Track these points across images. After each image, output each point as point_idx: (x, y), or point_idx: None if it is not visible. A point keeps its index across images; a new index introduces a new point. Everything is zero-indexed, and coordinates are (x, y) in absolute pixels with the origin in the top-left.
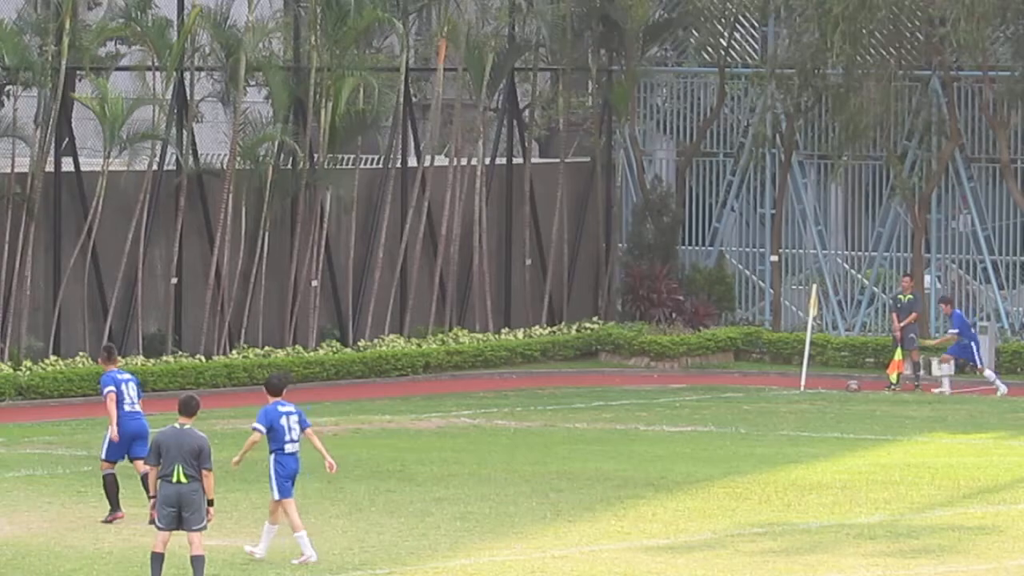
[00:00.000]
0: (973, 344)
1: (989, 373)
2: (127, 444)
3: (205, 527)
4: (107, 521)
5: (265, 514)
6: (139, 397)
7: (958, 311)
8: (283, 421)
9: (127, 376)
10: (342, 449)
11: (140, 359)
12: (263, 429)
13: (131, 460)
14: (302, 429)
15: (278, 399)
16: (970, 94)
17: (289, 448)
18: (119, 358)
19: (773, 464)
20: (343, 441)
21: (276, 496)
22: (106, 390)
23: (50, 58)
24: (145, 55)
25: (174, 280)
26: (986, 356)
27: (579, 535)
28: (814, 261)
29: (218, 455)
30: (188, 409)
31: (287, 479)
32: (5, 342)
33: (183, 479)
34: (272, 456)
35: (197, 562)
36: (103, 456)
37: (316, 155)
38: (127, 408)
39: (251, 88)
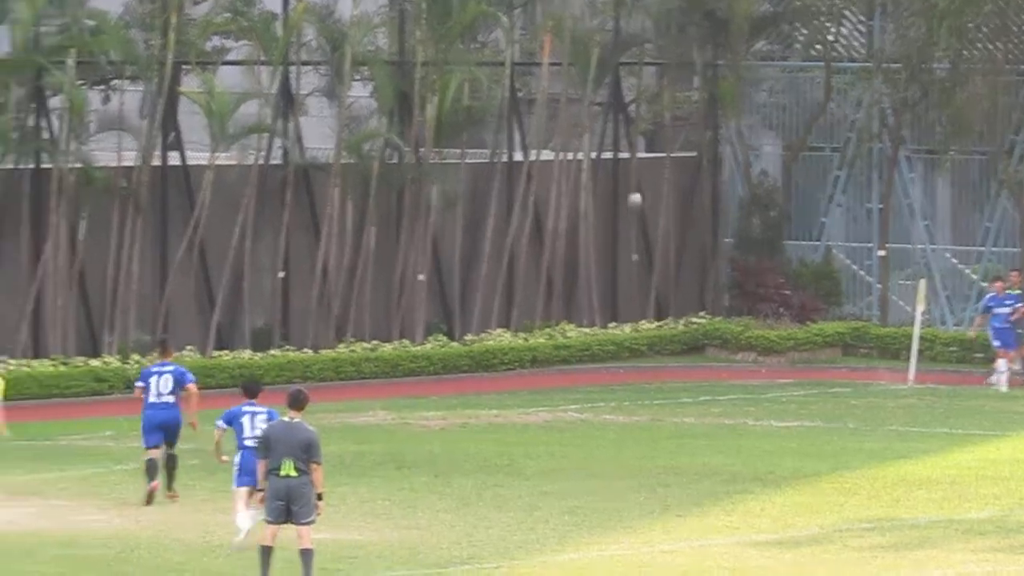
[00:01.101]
0: None
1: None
2: (158, 431)
3: (314, 520)
4: (148, 495)
5: (374, 507)
6: (175, 388)
7: None
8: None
9: (168, 368)
10: (449, 443)
11: (247, 353)
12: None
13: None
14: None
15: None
16: None
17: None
18: (172, 351)
19: (881, 459)
20: (450, 435)
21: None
22: (137, 384)
23: (156, 52)
24: (251, 50)
25: (281, 274)
26: None
27: (687, 530)
28: (921, 256)
29: (327, 449)
30: (297, 403)
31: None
32: (113, 336)
33: (292, 473)
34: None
35: (306, 555)
36: (143, 445)
37: (421, 150)
38: (152, 399)
39: (356, 83)
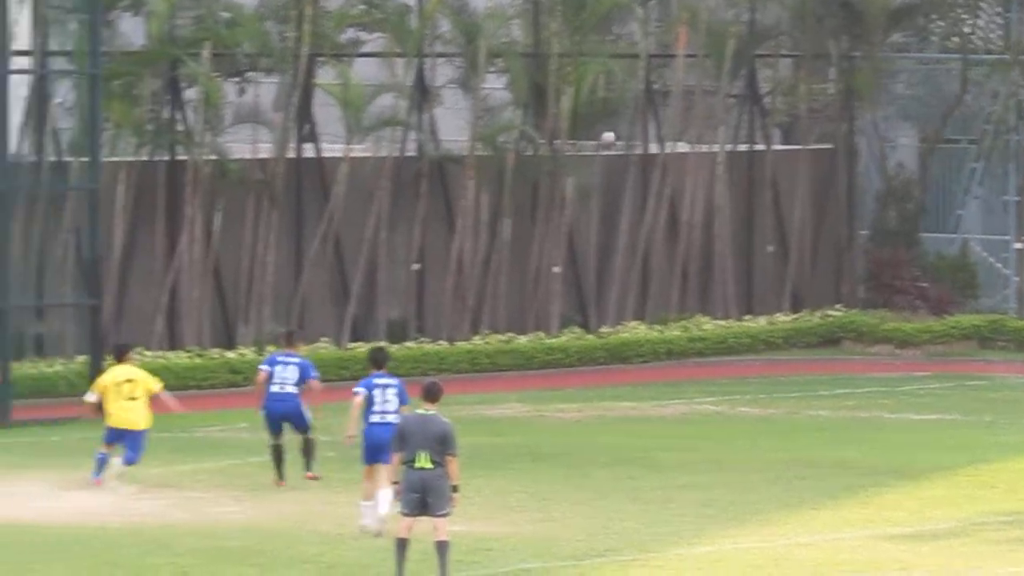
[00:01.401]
0: None
1: None
2: (279, 423)
3: (449, 513)
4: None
5: (509, 500)
6: (299, 381)
7: None
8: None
9: (295, 359)
10: (585, 436)
11: (382, 344)
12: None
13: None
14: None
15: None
16: None
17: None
18: (300, 343)
19: (1019, 453)
20: (586, 428)
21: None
22: (261, 367)
23: (291, 44)
24: (386, 41)
25: (416, 266)
26: None
27: (822, 523)
28: None
29: (462, 441)
30: (431, 395)
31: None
32: (248, 328)
33: (427, 465)
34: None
35: (441, 548)
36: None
37: (556, 142)
38: (274, 389)
39: (490, 74)
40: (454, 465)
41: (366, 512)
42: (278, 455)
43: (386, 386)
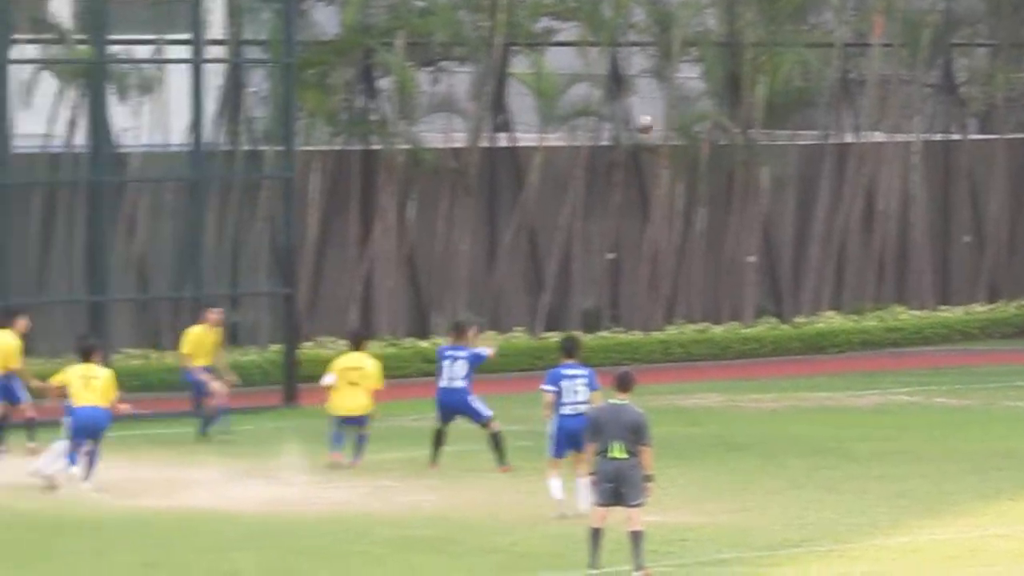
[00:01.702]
0: None
1: None
2: (449, 415)
3: (643, 503)
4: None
5: (703, 490)
6: (468, 373)
7: None
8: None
9: (463, 353)
10: (780, 426)
11: (576, 334)
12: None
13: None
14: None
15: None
16: None
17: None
18: (468, 335)
19: None
20: (781, 418)
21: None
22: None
23: (485, 34)
24: (580, 30)
25: (610, 255)
26: None
27: (1020, 514)
28: None
29: (656, 431)
30: (624, 384)
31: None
32: (442, 317)
33: (621, 455)
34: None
35: (636, 537)
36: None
37: (751, 131)
38: (443, 384)
39: (685, 63)
40: (648, 455)
41: (581, 489)
42: (438, 439)
43: (575, 376)
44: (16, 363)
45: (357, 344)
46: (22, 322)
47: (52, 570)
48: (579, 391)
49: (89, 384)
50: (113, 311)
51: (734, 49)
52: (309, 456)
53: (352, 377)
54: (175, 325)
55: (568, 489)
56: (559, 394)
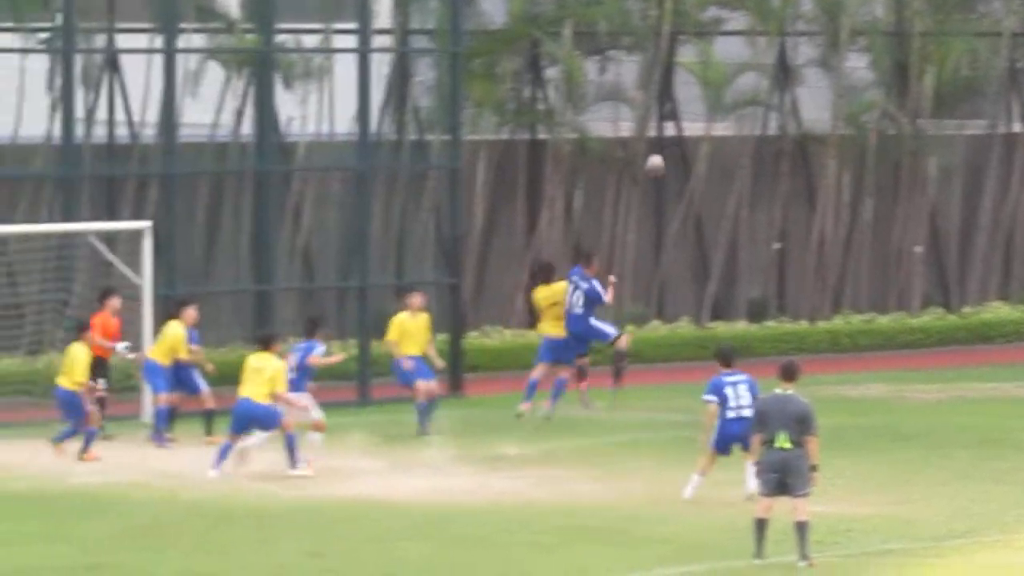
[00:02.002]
0: None
1: None
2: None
3: (809, 493)
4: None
5: (869, 480)
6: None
7: None
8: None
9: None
10: (946, 416)
11: (742, 324)
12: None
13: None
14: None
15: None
16: None
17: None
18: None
19: None
20: (947, 408)
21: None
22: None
23: (652, 23)
24: (748, 20)
25: (777, 245)
26: None
27: None
28: None
29: (822, 421)
30: (790, 374)
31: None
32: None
33: (787, 445)
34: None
35: (801, 528)
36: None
37: (919, 121)
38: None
39: (852, 53)
40: (813, 445)
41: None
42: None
43: (736, 383)
44: (184, 353)
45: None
46: (190, 312)
47: (219, 559)
48: (742, 396)
49: (257, 375)
50: (278, 300)
51: (902, 38)
52: (472, 446)
53: None
54: (339, 315)
55: (716, 483)
56: (723, 402)
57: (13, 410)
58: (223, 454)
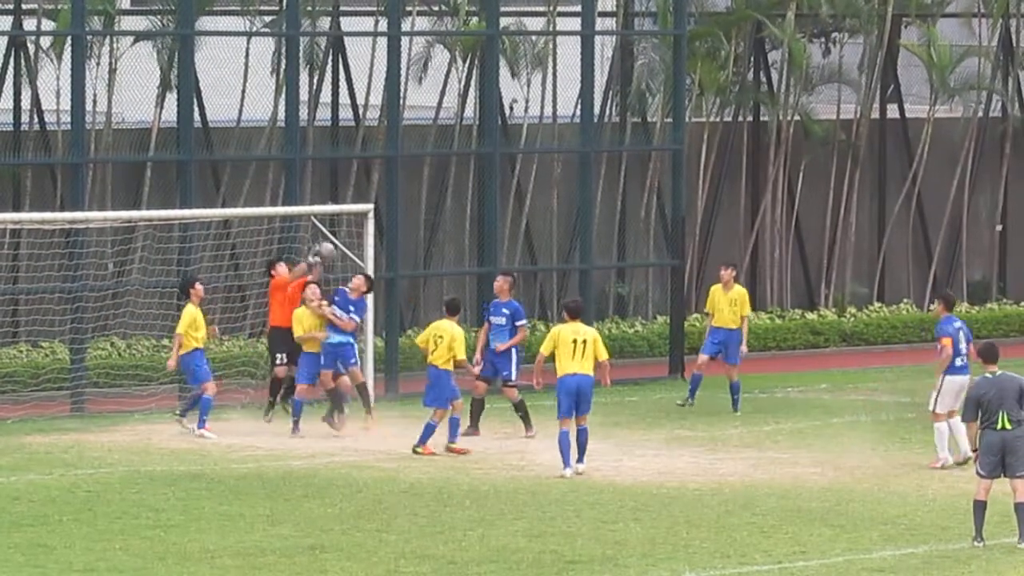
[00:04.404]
0: None
1: None
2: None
3: None
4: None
5: None
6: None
7: None
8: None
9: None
10: None
11: (964, 306)
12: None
13: None
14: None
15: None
16: None
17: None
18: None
19: None
20: None
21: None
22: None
23: (876, 6)
24: (971, 2)
25: (999, 227)
26: None
27: None
28: None
29: None
30: (991, 355)
31: None
32: (830, 288)
33: (1007, 425)
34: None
35: (1021, 509)
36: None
37: None
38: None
39: None
40: None
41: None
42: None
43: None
44: (202, 333)
45: None
46: (198, 289)
47: (439, 541)
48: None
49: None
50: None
51: None
52: (698, 427)
53: None
54: (560, 297)
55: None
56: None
57: (238, 392)
58: (453, 430)
